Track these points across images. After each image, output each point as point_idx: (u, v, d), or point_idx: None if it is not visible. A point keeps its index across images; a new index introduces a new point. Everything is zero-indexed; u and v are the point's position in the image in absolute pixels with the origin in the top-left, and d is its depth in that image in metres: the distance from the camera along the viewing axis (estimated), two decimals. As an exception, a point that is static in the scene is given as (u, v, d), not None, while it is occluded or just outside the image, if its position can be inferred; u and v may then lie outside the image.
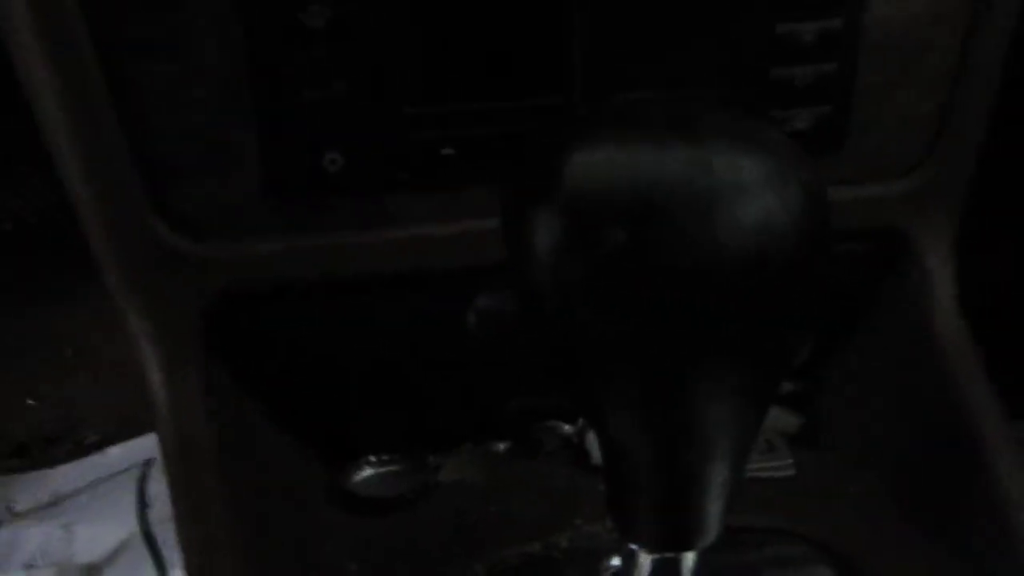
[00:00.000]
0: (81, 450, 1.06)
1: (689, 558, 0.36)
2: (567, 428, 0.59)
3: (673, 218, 0.27)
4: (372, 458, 0.60)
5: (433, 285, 0.49)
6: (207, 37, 0.42)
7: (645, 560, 0.36)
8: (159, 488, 0.96)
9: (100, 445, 1.06)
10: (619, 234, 0.27)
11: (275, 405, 0.53)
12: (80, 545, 0.91)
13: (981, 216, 0.57)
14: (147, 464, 1.02)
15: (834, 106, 0.50)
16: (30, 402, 1.10)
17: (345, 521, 0.57)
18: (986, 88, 0.52)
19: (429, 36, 0.45)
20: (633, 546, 0.36)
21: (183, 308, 0.47)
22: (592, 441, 0.58)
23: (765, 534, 0.53)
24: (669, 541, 0.35)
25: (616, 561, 0.43)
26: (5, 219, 1.01)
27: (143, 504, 0.95)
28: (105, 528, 0.93)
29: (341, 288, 0.48)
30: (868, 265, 0.57)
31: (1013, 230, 0.78)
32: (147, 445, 1.02)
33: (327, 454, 0.59)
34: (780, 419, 0.60)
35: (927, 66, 0.51)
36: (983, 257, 0.63)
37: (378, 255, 0.48)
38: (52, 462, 1.04)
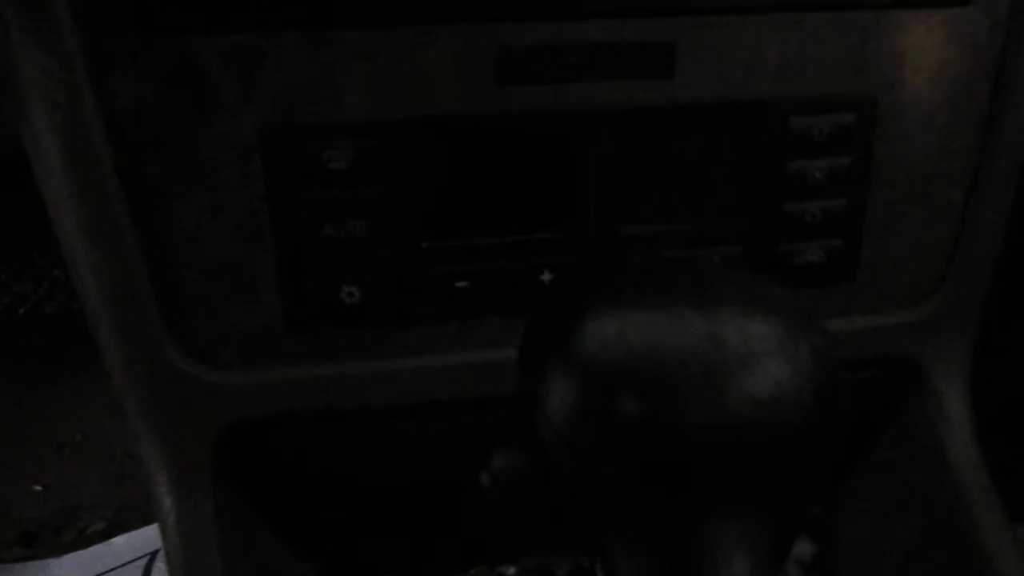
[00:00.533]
0: (85, 539, 1.05)
1: None
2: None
3: (685, 390, 0.28)
4: (384, 582, 0.59)
5: (448, 414, 0.49)
6: (231, 174, 0.44)
7: None
8: (164, 581, 0.95)
9: (105, 533, 1.05)
10: (632, 404, 0.28)
11: (286, 529, 0.53)
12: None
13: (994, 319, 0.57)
14: (152, 556, 1.01)
15: (845, 239, 0.50)
16: (36, 488, 1.10)
17: None
18: (997, 215, 0.53)
19: (445, 175, 0.46)
20: None
21: (196, 434, 0.47)
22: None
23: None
24: None
25: None
26: (20, 304, 1.03)
27: (148, 597, 0.94)
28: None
29: (356, 416, 0.48)
30: (881, 392, 0.57)
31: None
32: (152, 536, 1.01)
33: None
34: (795, 547, 0.59)
35: (936, 197, 0.51)
36: (995, 361, 0.63)
37: (393, 384, 0.48)
38: (57, 551, 1.03)
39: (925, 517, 0.57)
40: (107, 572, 1.00)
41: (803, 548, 0.59)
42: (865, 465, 0.59)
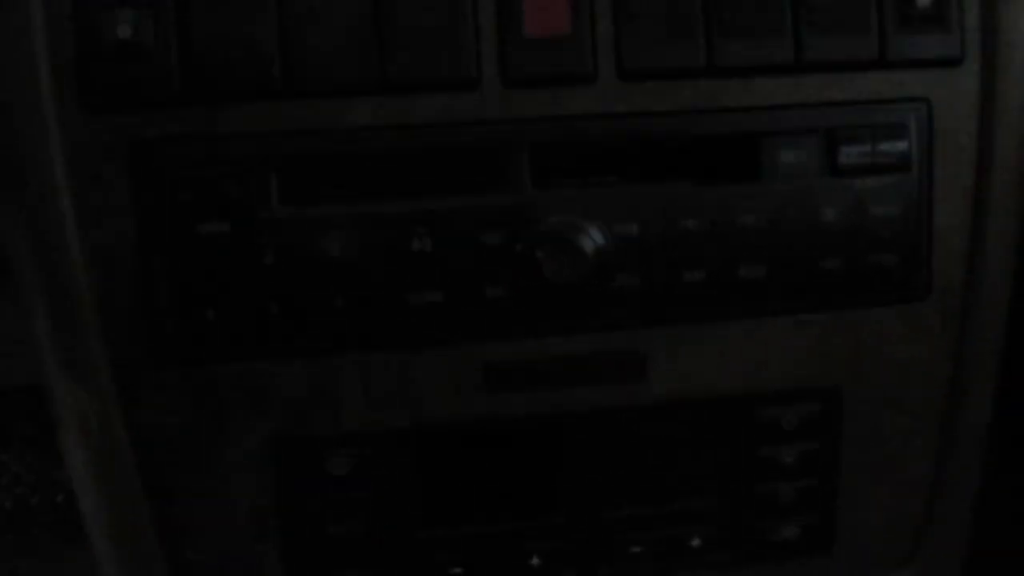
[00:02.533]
0: None
1: None
2: None
3: None
4: None
5: None
6: (243, 479, 0.48)
7: None
8: None
9: None
10: None
11: None
12: None
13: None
14: None
15: (819, 516, 0.53)
16: None
17: None
18: (967, 486, 0.56)
19: (437, 473, 0.50)
20: None
21: None
22: None
23: None
24: None
25: None
26: (5, 498, 1.04)
27: None
28: None
29: None
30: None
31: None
32: None
33: None
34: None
35: (907, 470, 0.54)
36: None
37: None
38: None
39: None
40: None
41: None
42: None
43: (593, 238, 0.46)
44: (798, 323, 0.50)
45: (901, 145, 0.49)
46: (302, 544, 0.49)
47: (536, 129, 0.46)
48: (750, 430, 0.52)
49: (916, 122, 0.49)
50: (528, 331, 0.48)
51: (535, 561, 0.51)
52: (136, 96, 0.44)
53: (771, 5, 0.47)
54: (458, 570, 0.51)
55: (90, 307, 0.45)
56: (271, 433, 0.47)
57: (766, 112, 0.48)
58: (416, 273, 0.46)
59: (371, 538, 0.50)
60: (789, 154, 0.48)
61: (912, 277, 0.50)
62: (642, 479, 0.52)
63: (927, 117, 0.49)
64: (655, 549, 0.52)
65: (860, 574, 0.55)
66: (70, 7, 0.43)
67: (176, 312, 0.45)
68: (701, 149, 0.48)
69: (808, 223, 0.48)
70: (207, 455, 0.47)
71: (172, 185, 0.44)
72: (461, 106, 0.46)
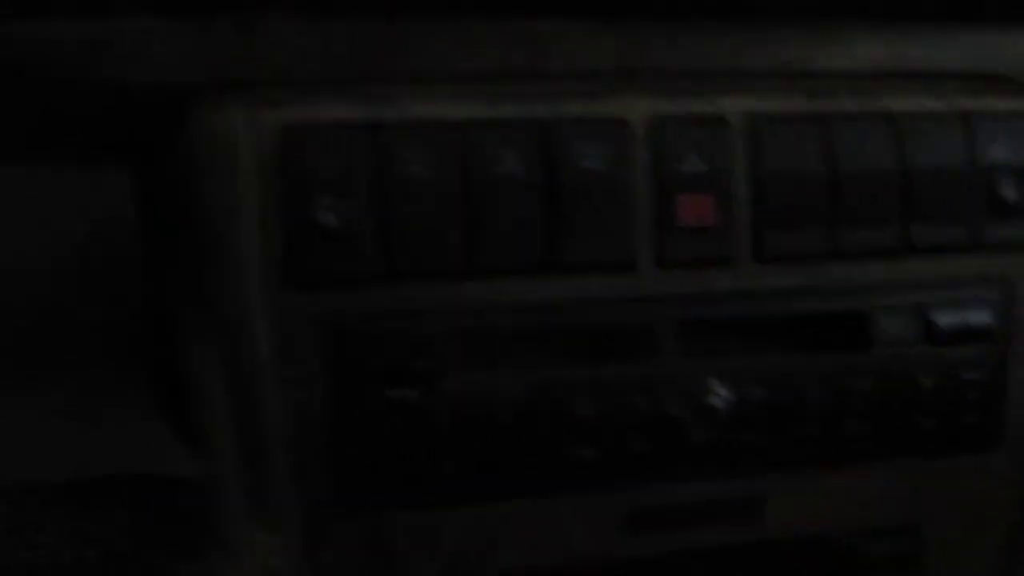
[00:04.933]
0: None
1: None
2: None
3: None
4: None
5: None
6: None
7: None
8: None
9: None
10: None
11: None
12: None
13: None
14: None
15: None
16: None
17: None
18: None
19: None
20: None
21: None
22: None
23: None
24: None
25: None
26: None
27: None
28: None
29: None
30: None
31: None
32: None
33: None
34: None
35: None
36: None
37: None
38: None
39: None
40: None
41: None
42: None
43: (727, 400, 0.52)
44: (890, 468, 0.57)
45: (987, 318, 0.56)
46: None
47: (683, 306, 0.53)
48: (846, 563, 0.58)
49: (1000, 297, 0.57)
50: (668, 479, 0.54)
51: None
52: (335, 276, 0.49)
53: (882, 200, 0.54)
54: None
55: (283, 458, 0.50)
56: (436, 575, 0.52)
57: (875, 290, 0.55)
58: (574, 432, 0.51)
59: None
60: (893, 327, 0.55)
61: (990, 430, 0.58)
62: None
63: (1009, 294, 0.57)
64: None
65: None
66: (279, 197, 0.48)
67: (364, 464, 0.50)
68: (819, 322, 0.54)
69: (907, 387, 0.55)
70: None
71: (365, 355, 0.49)
72: (620, 285, 0.52)
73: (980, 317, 0.56)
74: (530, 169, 0.50)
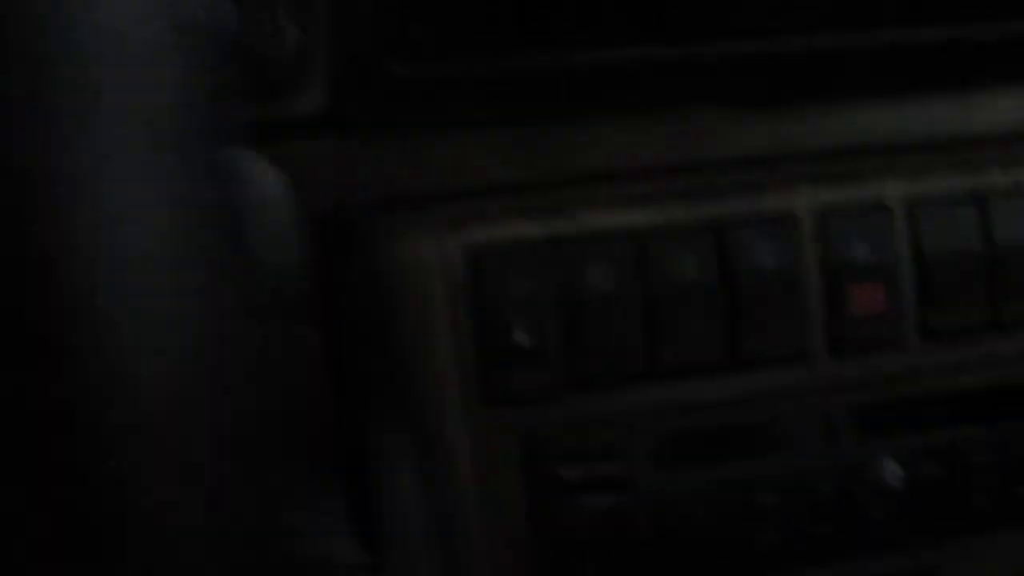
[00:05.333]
0: None
1: None
2: None
3: None
4: None
5: None
6: None
7: None
8: None
9: None
10: None
11: None
12: None
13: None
14: None
15: None
16: None
17: None
18: None
19: None
20: None
21: None
22: None
23: None
24: None
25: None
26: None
27: None
28: None
29: None
30: None
31: None
32: None
33: None
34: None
35: None
36: None
37: None
38: None
39: None
40: None
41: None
42: None
43: (902, 479, 0.54)
44: None
45: None
46: None
47: (856, 391, 0.54)
48: None
49: None
50: (847, 554, 0.55)
51: None
52: (526, 391, 0.50)
53: None
54: None
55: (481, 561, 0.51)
56: None
57: None
58: (757, 521, 0.53)
59: None
60: None
61: None
62: None
63: None
64: None
65: None
66: (474, 319, 0.49)
67: (561, 570, 0.51)
68: (985, 394, 0.56)
69: None
70: None
71: (559, 465, 0.50)
72: (795, 376, 0.53)
73: None
74: (706, 271, 0.51)
